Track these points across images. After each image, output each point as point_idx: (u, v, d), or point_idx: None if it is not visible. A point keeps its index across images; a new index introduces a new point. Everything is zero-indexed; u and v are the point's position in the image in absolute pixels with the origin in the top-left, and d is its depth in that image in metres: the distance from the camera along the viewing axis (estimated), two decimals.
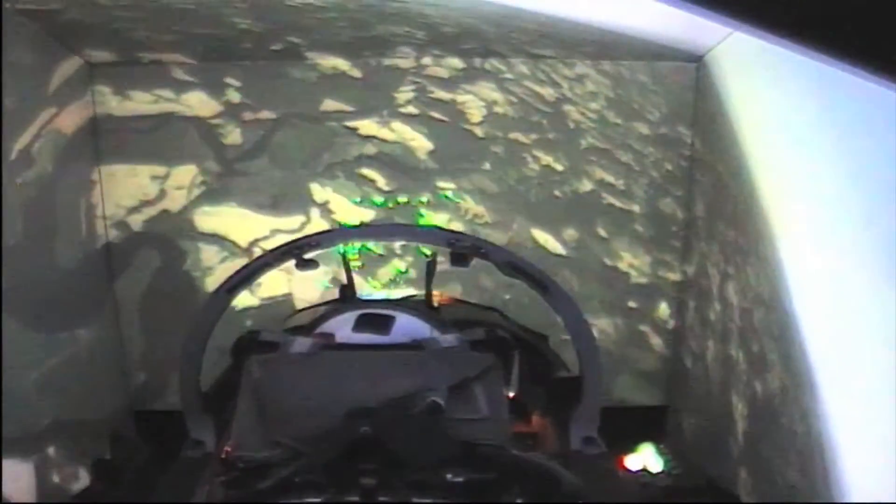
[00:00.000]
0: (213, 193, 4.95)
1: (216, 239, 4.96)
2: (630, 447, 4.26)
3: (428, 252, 3.00)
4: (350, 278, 3.02)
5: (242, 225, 4.95)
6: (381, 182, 5.00)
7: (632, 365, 5.05)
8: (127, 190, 4.84)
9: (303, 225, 4.90)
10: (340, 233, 2.84)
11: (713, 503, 3.73)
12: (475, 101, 4.96)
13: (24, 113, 3.87)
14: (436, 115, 4.96)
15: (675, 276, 4.92)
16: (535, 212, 5.07)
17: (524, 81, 4.93)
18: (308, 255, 2.52)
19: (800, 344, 3.05)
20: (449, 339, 2.47)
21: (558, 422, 2.43)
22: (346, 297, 2.93)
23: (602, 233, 5.09)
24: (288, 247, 2.50)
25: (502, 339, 2.47)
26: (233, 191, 4.95)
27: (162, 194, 4.93)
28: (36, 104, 4.02)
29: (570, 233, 5.10)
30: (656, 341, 5.01)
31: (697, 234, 4.49)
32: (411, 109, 4.94)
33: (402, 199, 5.00)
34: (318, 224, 4.89)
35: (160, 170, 4.90)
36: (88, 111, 4.60)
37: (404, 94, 4.93)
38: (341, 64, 4.85)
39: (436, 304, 2.99)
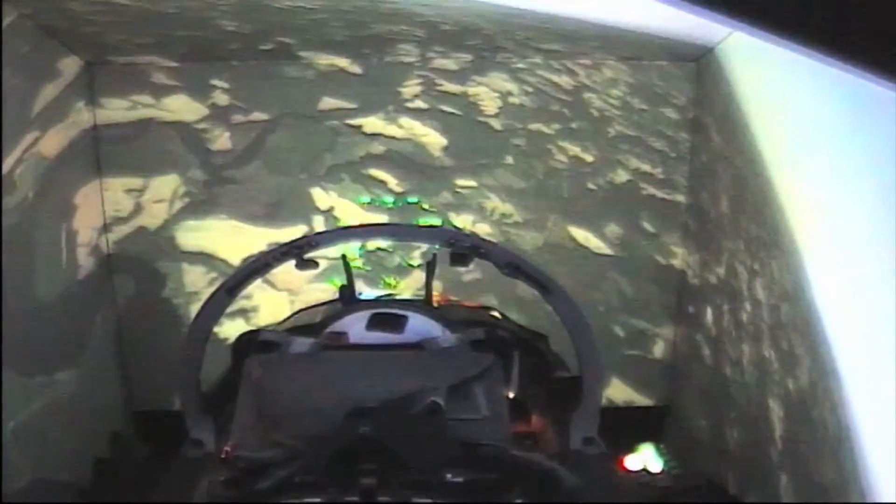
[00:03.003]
0: (198, 205, 4.85)
1: (202, 258, 4.84)
2: (630, 447, 4.36)
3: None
4: (350, 279, 3.17)
5: (233, 240, 4.83)
6: (393, 182, 4.98)
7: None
8: (96, 207, 4.70)
9: (305, 235, 4.84)
10: (340, 233, 3.00)
11: (713, 503, 3.85)
12: (488, 93, 4.96)
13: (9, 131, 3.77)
14: (447, 108, 4.96)
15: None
16: (570, 207, 5.02)
17: (538, 71, 4.94)
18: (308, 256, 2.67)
19: (825, 335, 3.26)
20: (449, 339, 2.64)
21: (558, 422, 2.60)
22: (346, 297, 3.08)
23: (648, 227, 5.05)
24: (288, 247, 2.67)
25: (502, 339, 2.66)
26: (222, 201, 4.85)
27: (138, 209, 4.81)
28: (22, 125, 3.93)
29: (613, 229, 5.06)
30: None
31: (724, 231, 4.58)
32: (419, 104, 4.94)
33: (411, 200, 5.00)
34: None
35: (136, 182, 4.78)
36: (70, 133, 4.46)
37: (410, 88, 4.93)
38: (339, 61, 4.84)
39: (435, 305, 3.13)
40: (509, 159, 5.01)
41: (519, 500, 2.16)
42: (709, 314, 4.72)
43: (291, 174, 4.92)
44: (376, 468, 2.10)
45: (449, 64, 4.92)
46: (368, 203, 4.98)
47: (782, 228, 3.66)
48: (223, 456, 2.35)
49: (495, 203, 5.02)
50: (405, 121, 4.98)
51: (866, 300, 2.96)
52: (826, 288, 3.30)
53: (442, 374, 2.42)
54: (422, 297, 3.19)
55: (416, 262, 5.03)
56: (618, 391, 5.21)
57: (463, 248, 2.63)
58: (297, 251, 2.67)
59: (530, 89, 4.97)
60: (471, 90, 4.98)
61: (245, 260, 2.72)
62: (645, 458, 4.34)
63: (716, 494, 4.06)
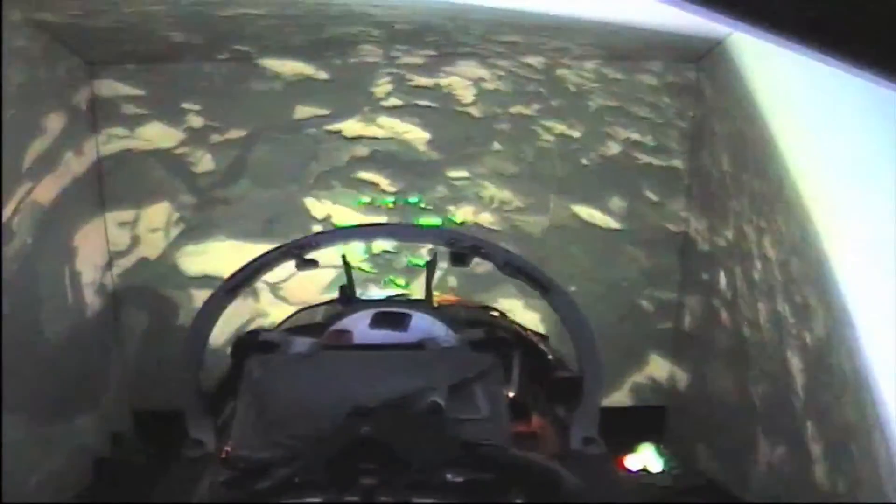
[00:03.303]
0: (194, 230, 4.83)
1: (207, 280, 4.77)
2: (630, 447, 4.41)
3: None
4: (350, 279, 3.18)
5: (235, 259, 4.46)
6: (385, 183, 4.98)
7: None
8: (95, 244, 4.65)
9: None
10: (339, 233, 3.01)
11: (713, 503, 3.93)
12: (460, 82, 4.94)
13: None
14: (422, 102, 4.95)
15: None
16: (568, 186, 5.01)
17: (506, 53, 4.89)
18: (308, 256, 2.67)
19: (836, 284, 3.39)
20: (449, 338, 2.67)
21: (558, 422, 2.64)
22: (346, 297, 3.09)
23: (652, 196, 5.03)
24: (287, 247, 2.67)
25: (502, 339, 2.69)
26: (217, 222, 4.84)
27: (135, 241, 4.79)
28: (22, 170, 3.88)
29: (616, 202, 5.04)
30: None
31: (727, 191, 4.58)
32: (394, 101, 4.94)
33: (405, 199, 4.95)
34: None
35: (127, 214, 4.76)
36: (67, 177, 4.39)
37: (382, 87, 4.91)
38: (304, 68, 4.80)
39: (435, 304, 3.15)
40: (496, 145, 5.00)
41: (519, 500, 2.17)
42: (722, 278, 4.73)
43: (281, 186, 4.90)
44: (376, 468, 2.11)
45: (415, 59, 4.88)
46: (368, 204, 4.96)
47: (785, 180, 3.75)
48: (223, 456, 2.35)
49: (492, 191, 5.01)
50: (384, 120, 4.97)
51: (874, 246, 3.05)
52: (833, 236, 3.42)
53: (442, 373, 2.43)
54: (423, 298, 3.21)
55: (423, 262, 5.00)
56: (656, 367, 5.20)
57: (463, 248, 2.67)
58: (297, 251, 2.69)
59: (502, 73, 4.94)
60: (443, 81, 4.96)
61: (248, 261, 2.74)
62: (645, 458, 4.41)
63: (716, 494, 4.13)
